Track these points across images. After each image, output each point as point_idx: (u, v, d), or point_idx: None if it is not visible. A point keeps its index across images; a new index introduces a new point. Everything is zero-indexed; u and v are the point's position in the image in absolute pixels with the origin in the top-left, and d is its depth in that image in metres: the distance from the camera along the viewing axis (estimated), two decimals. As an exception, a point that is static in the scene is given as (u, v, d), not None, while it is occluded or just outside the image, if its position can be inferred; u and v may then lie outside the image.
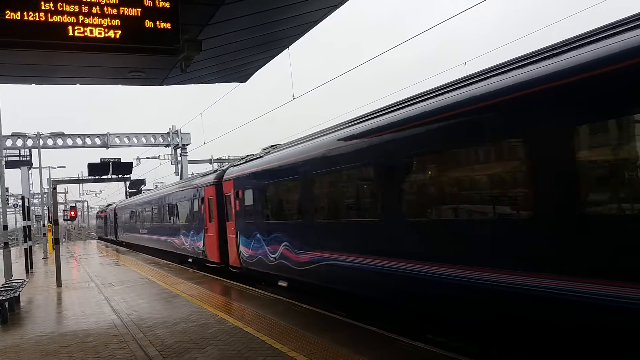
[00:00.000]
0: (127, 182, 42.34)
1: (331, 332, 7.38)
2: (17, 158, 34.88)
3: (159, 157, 35.53)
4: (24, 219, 22.98)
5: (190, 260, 18.58)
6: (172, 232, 20.83)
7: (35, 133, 28.55)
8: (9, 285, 12.47)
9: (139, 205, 28.85)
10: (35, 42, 4.37)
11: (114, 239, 39.49)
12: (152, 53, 4.90)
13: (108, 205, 49.41)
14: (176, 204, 20.51)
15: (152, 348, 7.29)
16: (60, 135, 29.64)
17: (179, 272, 16.83)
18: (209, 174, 17.11)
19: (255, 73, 9.97)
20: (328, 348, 6.59)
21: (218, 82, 9.71)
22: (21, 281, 13.32)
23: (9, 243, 18.55)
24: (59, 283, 15.08)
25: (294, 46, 9.16)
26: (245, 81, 9.89)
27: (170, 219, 21.57)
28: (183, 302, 10.88)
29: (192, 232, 17.68)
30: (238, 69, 9.08)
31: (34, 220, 37.41)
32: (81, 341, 8.08)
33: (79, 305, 11.53)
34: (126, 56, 6.84)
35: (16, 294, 11.17)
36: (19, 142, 29.68)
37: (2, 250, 17.67)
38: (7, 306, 10.36)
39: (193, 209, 17.58)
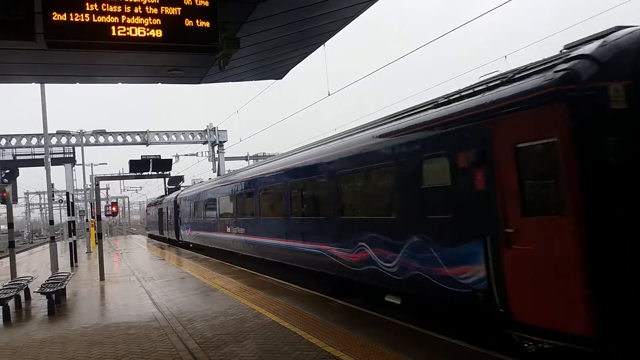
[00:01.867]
0: (167, 179, 42.65)
1: (366, 327, 7.39)
2: (62, 155, 36.11)
3: (197, 154, 36.20)
4: (68, 214, 23.81)
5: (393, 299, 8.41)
6: (333, 234, 10.33)
7: (79, 131, 29.55)
8: (56, 278, 12.95)
9: (227, 188, 18.72)
10: (80, 42, 4.50)
11: (174, 238, 30.40)
12: (191, 51, 4.99)
13: (163, 195, 40.32)
14: (359, 175, 9.68)
15: (192, 341, 7.45)
16: (102, 133, 30.58)
17: (216, 266, 17.10)
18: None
19: (291, 70, 10.01)
20: (364, 344, 6.59)
21: (254, 80, 9.81)
22: (66, 274, 13.80)
23: (55, 237, 19.26)
24: (102, 276, 15.58)
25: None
26: (281, 78, 9.95)
27: (323, 206, 11.03)
28: (221, 296, 11.07)
29: (415, 239, 7.57)
30: (274, 66, 9.14)
31: (78, 216, 38.71)
32: (124, 333, 8.33)
33: (121, 298, 11.88)
34: (166, 55, 7.00)
35: (62, 287, 11.59)
36: (63, 140, 30.77)
37: (49, 245, 18.39)
38: (53, 298, 10.76)
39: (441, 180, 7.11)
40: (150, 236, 44.63)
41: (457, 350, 6.16)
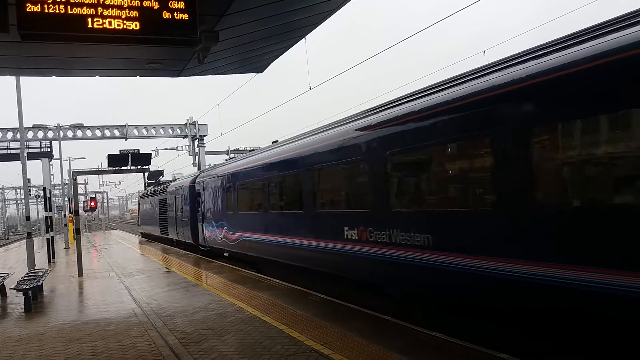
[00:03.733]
0: (146, 173, 41.53)
1: (347, 321, 7.42)
2: (38, 149, 35.42)
3: (176, 149, 35.84)
4: (45, 210, 23.41)
5: None
6: None
7: (56, 125, 29.01)
8: (32, 274, 12.74)
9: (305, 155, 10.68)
10: (55, 34, 4.41)
11: (188, 241, 21.28)
12: (170, 44, 4.93)
13: (168, 182, 29.66)
14: None
15: (172, 336, 7.40)
16: (80, 127, 30.06)
17: (197, 261, 17.00)
18: None
19: (272, 63, 9.96)
20: (344, 336, 6.62)
21: (234, 73, 9.73)
22: (44, 271, 13.59)
23: (32, 233, 18.92)
24: (80, 272, 15.36)
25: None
26: (262, 72, 9.89)
27: None
28: (202, 291, 11.01)
29: None
30: (255, 59, 9.09)
31: (55, 211, 38.10)
32: (103, 329, 8.24)
33: (100, 294, 11.74)
34: (144, 48, 6.89)
35: (39, 283, 11.41)
36: (40, 134, 30.16)
37: (25, 241, 18.04)
38: (30, 295, 10.58)
39: None
40: (145, 235, 34.82)
41: (437, 343, 6.23)
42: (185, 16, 4.71)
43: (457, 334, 6.40)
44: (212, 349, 6.61)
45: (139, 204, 41.43)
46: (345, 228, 9.00)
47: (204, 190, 18.96)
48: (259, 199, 13.47)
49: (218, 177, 17.31)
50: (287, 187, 12.11)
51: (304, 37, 9.03)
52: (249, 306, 8.98)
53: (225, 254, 16.63)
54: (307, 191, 10.55)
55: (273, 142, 14.47)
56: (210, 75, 9.72)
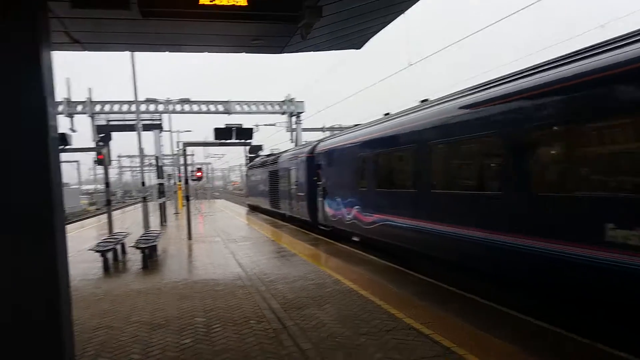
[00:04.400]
0: (247, 147, 42.86)
1: (446, 302, 7.27)
2: (150, 122, 38.09)
3: (275, 125, 36.84)
4: (157, 177, 25.24)
5: None
6: None
7: (166, 99, 30.98)
8: (148, 235, 13.86)
9: None
10: (170, 10, 4.65)
11: (305, 218, 18.64)
12: (275, 20, 5.00)
13: (279, 153, 27.08)
14: None
15: (274, 301, 7.73)
16: (187, 101, 31.85)
17: (295, 232, 17.52)
18: None
19: (371, 39, 9.77)
20: (444, 318, 6.52)
21: (334, 49, 9.68)
22: (158, 232, 14.74)
23: (146, 198, 20.54)
24: (189, 236, 16.49)
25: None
26: (360, 47, 9.74)
27: None
28: (300, 261, 11.36)
29: None
30: (354, 35, 8.96)
31: (165, 179, 41.01)
32: (211, 289, 8.81)
33: (208, 257, 12.53)
34: (250, 24, 7.05)
35: (154, 243, 12.39)
36: (152, 107, 32.38)
37: (141, 204, 19.68)
38: (147, 253, 11.56)
39: None
40: (253, 207, 33.42)
41: (551, 337, 5.93)
42: (290, -9, 4.76)
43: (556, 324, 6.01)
44: (312, 316, 6.82)
45: (246, 175, 39.97)
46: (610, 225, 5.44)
47: (326, 161, 16.07)
48: (417, 173, 9.96)
49: (346, 145, 14.23)
50: (471, 156, 8.56)
51: (404, 11, 8.74)
52: (346, 279, 9.11)
53: (355, 238, 13.57)
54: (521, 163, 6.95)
55: (422, 101, 11.09)
56: (310, 52, 9.77)
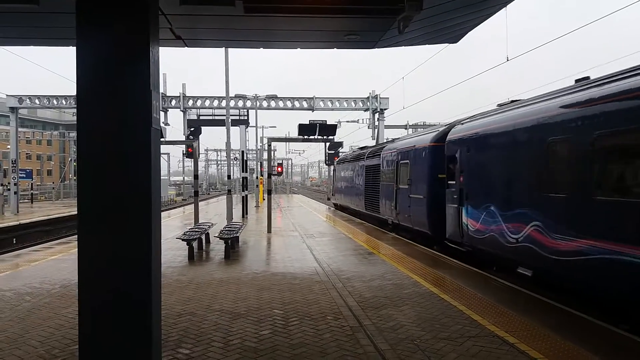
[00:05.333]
0: (327, 144, 42.92)
1: (531, 311, 6.89)
2: (237, 117, 39.50)
3: (357, 121, 36.85)
4: (242, 171, 26.12)
5: None
6: None
7: (254, 95, 31.95)
8: (231, 226, 14.37)
9: None
10: (274, 6, 4.76)
11: (422, 229, 14.36)
12: (375, 14, 4.97)
13: (383, 143, 22.86)
14: None
15: (351, 298, 7.73)
16: (274, 97, 32.66)
17: (372, 231, 17.42)
18: None
19: (468, 33, 9.46)
20: (530, 327, 6.18)
21: (429, 44, 9.45)
22: (240, 224, 15.24)
23: (231, 191, 21.33)
24: (269, 229, 16.91)
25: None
26: (457, 42, 9.44)
27: None
28: (378, 260, 11.27)
29: None
30: (451, 28, 8.70)
31: (248, 173, 42.35)
32: (289, 282, 8.96)
33: (286, 251, 12.79)
34: (343, 19, 7.07)
35: (237, 235, 12.83)
36: (240, 103, 33.51)
37: (225, 196, 20.47)
38: (230, 244, 11.99)
39: None
40: (340, 208, 29.32)
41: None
42: (393, -16, 4.70)
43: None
44: (390, 317, 6.73)
45: (333, 170, 34.50)
46: None
47: (470, 151, 11.29)
48: None
49: (521, 125, 9.19)
50: None
51: (507, 4, 8.37)
52: (426, 281, 8.92)
53: (524, 271, 8.78)
54: None
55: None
56: (403, 47, 9.63)
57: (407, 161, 15.64)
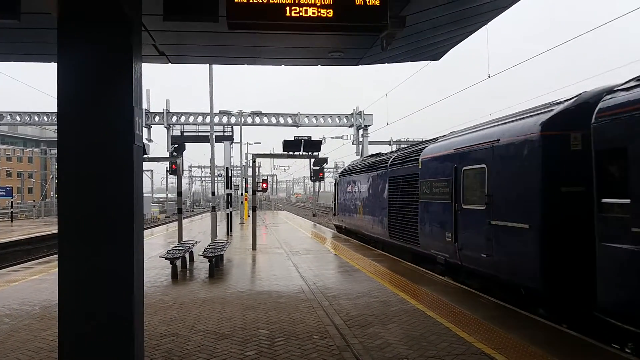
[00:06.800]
0: (312, 160, 42.78)
1: (521, 329, 6.87)
2: (222, 133, 39.39)
3: (342, 137, 37.02)
4: (226, 188, 25.95)
5: None
6: None
7: (238, 111, 31.94)
8: (215, 245, 14.20)
9: None
10: (257, 23, 4.73)
11: (520, 279, 8.38)
12: (360, 31, 4.98)
13: (414, 145, 16.52)
14: None
15: (338, 317, 7.63)
16: (258, 114, 32.70)
17: (358, 247, 17.35)
18: None
19: (449, 51, 9.59)
20: (518, 345, 6.15)
21: (411, 60, 9.57)
22: (225, 242, 15.07)
23: (215, 208, 21.14)
24: (254, 246, 16.75)
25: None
26: (438, 59, 9.57)
27: None
28: (364, 277, 11.20)
29: None
30: (433, 46, 8.82)
31: (233, 189, 42.10)
32: (275, 301, 8.84)
33: (271, 268, 12.65)
34: (328, 36, 7.12)
35: (222, 253, 12.67)
36: (224, 119, 33.45)
37: (210, 214, 20.27)
38: (214, 262, 11.83)
39: None
40: (346, 231, 23.28)
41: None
42: (377, 2, 4.70)
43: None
44: (377, 335, 6.66)
45: (336, 184, 26.77)
46: None
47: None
48: None
49: None
50: None
51: (488, 22, 8.52)
52: (412, 298, 8.87)
53: None
54: None
55: None
56: (385, 64, 9.72)
57: (483, 166, 9.54)
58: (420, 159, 12.96)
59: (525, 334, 6.56)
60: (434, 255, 11.78)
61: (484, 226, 9.29)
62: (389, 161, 16.31)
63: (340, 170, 29.11)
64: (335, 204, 26.05)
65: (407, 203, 14.03)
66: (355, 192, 21.12)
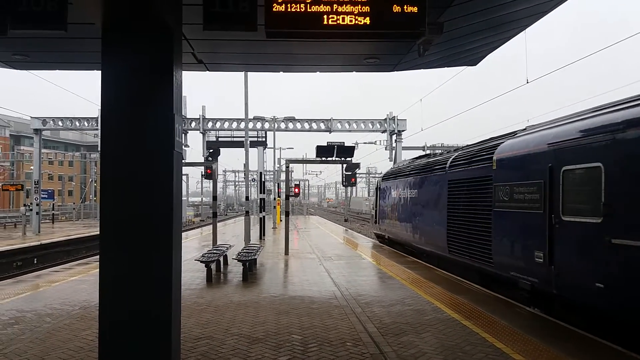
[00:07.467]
0: (344, 165, 42.76)
1: (560, 341, 6.67)
2: (256, 139, 39.82)
3: (375, 143, 36.88)
4: (260, 192, 26.19)
5: None
6: None
7: (272, 117, 32.23)
8: (249, 249, 14.34)
9: None
10: (296, 31, 4.78)
11: None
12: (398, 38, 4.96)
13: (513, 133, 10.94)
14: None
15: (371, 324, 7.59)
16: (292, 119, 32.90)
17: (391, 254, 17.21)
18: None
19: (487, 56, 9.46)
20: (557, 357, 5.98)
21: (448, 66, 9.48)
22: (258, 246, 15.20)
23: (249, 212, 21.35)
24: (286, 251, 16.83)
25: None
26: (475, 65, 9.46)
27: None
28: (397, 284, 11.10)
29: None
30: (470, 52, 8.72)
31: (266, 194, 42.44)
32: (307, 306, 8.85)
33: (304, 274, 12.68)
34: (364, 43, 7.13)
35: (255, 257, 12.78)
36: (258, 125, 33.79)
37: (243, 218, 20.48)
38: (247, 266, 11.95)
39: None
40: (389, 242, 20.92)
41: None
42: (414, 9, 4.69)
43: None
44: (411, 344, 6.58)
45: (377, 188, 23.64)
46: None
47: None
48: None
49: None
50: None
51: (526, 27, 8.37)
52: (447, 307, 8.74)
53: None
54: None
55: None
56: (422, 69, 9.65)
57: (597, 164, 7.17)
58: (494, 158, 10.57)
59: (563, 347, 6.36)
60: (515, 278, 9.38)
61: (600, 245, 6.93)
62: (448, 161, 13.83)
63: (382, 174, 24.90)
64: (376, 210, 23.36)
65: (474, 212, 11.57)
66: (402, 197, 18.46)
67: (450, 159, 13.80)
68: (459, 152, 14.02)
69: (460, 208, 12.49)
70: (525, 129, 10.36)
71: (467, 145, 14.34)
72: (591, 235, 7.20)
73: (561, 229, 7.98)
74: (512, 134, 10.89)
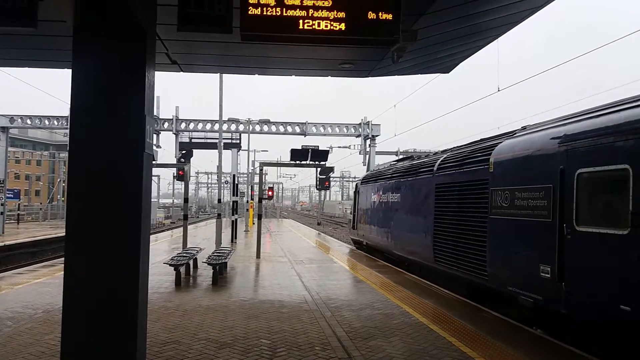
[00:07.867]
0: (318, 169, 42.75)
1: (525, 346, 6.81)
2: (230, 141, 39.54)
3: (349, 147, 37.07)
4: (233, 195, 26.03)
5: None
6: None
7: (247, 119, 32.08)
8: (220, 252, 14.21)
9: None
10: (270, 35, 4.78)
11: None
12: (371, 44, 5.01)
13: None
14: None
15: (340, 328, 7.61)
16: (267, 122, 32.81)
17: (360, 257, 17.30)
18: None
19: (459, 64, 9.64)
20: (521, 362, 6.10)
21: (421, 73, 9.64)
22: (229, 249, 15.08)
23: (221, 215, 21.17)
24: (258, 254, 16.75)
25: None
26: (448, 72, 9.64)
27: None
28: (367, 288, 11.16)
29: None
30: (443, 59, 8.88)
31: (239, 197, 42.17)
32: (277, 311, 8.82)
33: (275, 277, 12.63)
34: (339, 48, 7.18)
35: (226, 261, 12.67)
36: (233, 127, 33.58)
37: (215, 220, 20.31)
38: (217, 270, 11.83)
39: None
40: (366, 248, 19.88)
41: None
42: (390, 16, 4.75)
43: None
44: (379, 348, 6.63)
45: (356, 192, 22.60)
46: None
47: None
48: None
49: None
50: None
51: (499, 36, 8.57)
52: (415, 311, 8.83)
53: None
54: None
55: None
56: (395, 76, 9.78)
57: (624, 166, 6.13)
58: (491, 160, 9.53)
59: (529, 352, 6.50)
60: (514, 294, 8.35)
61: (627, 261, 5.93)
62: (436, 164, 12.70)
63: (362, 176, 24.02)
64: (354, 215, 21.95)
65: (466, 218, 10.43)
66: (383, 202, 17.21)
67: (439, 161, 12.64)
68: (448, 153, 12.81)
69: (449, 214, 11.34)
70: (524, 128, 9.42)
71: (457, 147, 13.04)
72: (615, 248, 6.17)
73: (575, 241, 6.88)
74: (510, 134, 9.81)
